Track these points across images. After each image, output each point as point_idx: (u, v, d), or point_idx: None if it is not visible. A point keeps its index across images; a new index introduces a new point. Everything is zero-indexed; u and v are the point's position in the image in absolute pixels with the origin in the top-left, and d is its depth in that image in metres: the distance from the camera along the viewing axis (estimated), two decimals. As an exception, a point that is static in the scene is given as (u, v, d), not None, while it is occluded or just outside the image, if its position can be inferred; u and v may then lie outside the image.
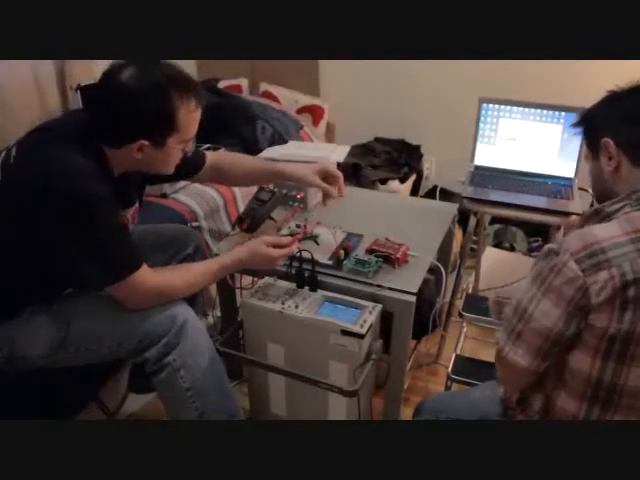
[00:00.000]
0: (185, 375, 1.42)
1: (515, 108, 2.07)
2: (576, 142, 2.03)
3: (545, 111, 2.04)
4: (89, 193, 1.24)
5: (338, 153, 2.10)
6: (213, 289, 1.91)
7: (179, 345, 1.40)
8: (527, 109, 2.06)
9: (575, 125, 1.17)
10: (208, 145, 2.64)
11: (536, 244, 2.81)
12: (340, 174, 1.67)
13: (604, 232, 0.97)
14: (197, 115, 1.36)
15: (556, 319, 0.99)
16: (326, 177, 1.67)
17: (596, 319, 0.96)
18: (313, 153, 2.04)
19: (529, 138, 2.07)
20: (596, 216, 1.07)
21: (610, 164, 1.08)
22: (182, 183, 2.38)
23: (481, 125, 2.13)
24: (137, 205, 1.57)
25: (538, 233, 2.80)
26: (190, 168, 1.66)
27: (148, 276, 1.36)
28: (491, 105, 2.10)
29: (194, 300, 1.77)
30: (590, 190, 1.22)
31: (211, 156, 1.75)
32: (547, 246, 1.02)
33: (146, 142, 1.30)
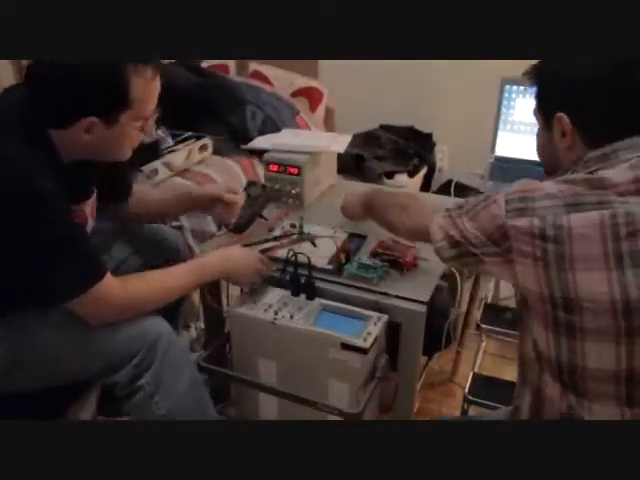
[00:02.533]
0: (160, 400, 1.41)
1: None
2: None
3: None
4: (35, 191, 1.21)
5: (338, 143, 2.10)
6: (196, 297, 1.91)
7: (152, 365, 1.39)
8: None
9: (529, 77, 1.18)
10: (190, 134, 2.66)
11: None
12: (236, 201, 1.75)
13: (541, 185, 1.03)
14: (155, 86, 1.34)
15: (473, 235, 1.09)
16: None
17: (524, 278, 1.02)
18: (310, 142, 2.04)
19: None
20: None
21: (564, 141, 1.11)
22: (161, 176, 2.40)
23: (503, 110, 2.14)
24: (95, 197, 1.54)
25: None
26: (124, 188, 1.70)
27: (114, 285, 1.34)
28: (515, 87, 2.11)
29: (174, 310, 1.77)
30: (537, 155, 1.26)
31: (136, 187, 1.78)
32: None
33: (96, 119, 1.27)
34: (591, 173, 1.04)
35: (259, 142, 2.22)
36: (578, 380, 1.03)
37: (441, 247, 1.16)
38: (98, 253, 1.36)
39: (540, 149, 1.22)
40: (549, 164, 1.20)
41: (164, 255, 1.79)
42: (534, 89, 1.18)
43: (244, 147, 2.63)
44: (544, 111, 1.15)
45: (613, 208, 0.96)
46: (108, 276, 1.34)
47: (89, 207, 1.50)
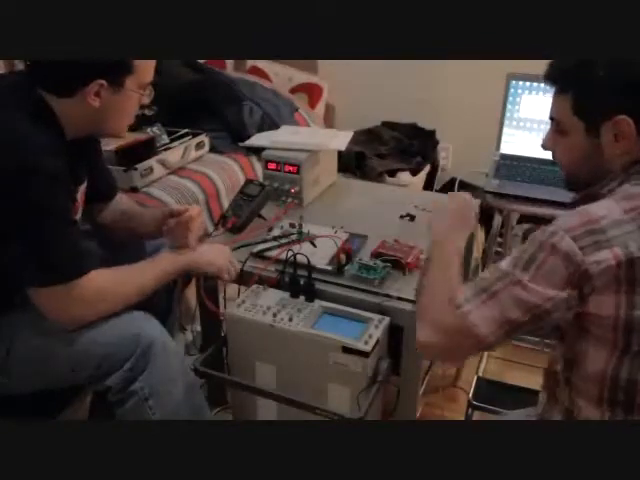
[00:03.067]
0: (155, 405, 1.41)
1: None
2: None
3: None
4: (45, 174, 1.24)
5: (339, 140, 2.10)
6: (192, 299, 1.91)
7: (146, 370, 1.39)
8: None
9: (562, 83, 1.13)
10: (187, 130, 2.65)
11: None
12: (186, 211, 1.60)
13: (601, 210, 0.99)
14: None
15: (546, 299, 0.99)
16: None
17: (599, 306, 0.98)
18: (309, 140, 2.04)
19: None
20: (587, 198, 1.09)
21: (618, 146, 1.07)
22: (156, 174, 2.39)
23: (509, 106, 2.13)
24: (85, 185, 1.55)
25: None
26: (106, 188, 1.69)
27: (94, 282, 1.35)
28: (521, 82, 2.10)
29: (168, 311, 1.76)
30: (562, 169, 1.20)
31: (125, 199, 1.77)
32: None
33: (104, 82, 1.32)
34: None
35: (257, 139, 2.22)
36: (635, 396, 1.02)
37: (496, 340, 1.03)
38: (83, 252, 1.36)
39: (579, 160, 1.15)
40: (589, 174, 1.14)
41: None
42: (549, 90, 1.14)
43: (242, 144, 2.63)
44: (589, 116, 1.10)
45: None
46: (93, 272, 1.34)
47: (80, 193, 1.51)
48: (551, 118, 1.17)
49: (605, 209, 0.99)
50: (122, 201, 1.75)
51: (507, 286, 1.02)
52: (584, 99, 1.09)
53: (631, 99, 1.05)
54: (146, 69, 1.40)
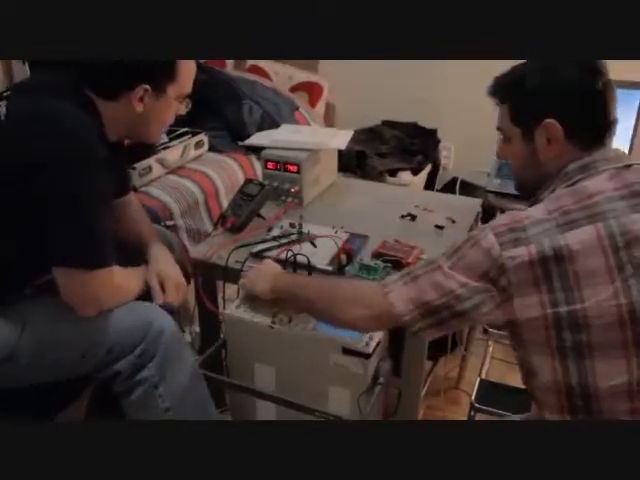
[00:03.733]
0: (164, 393, 1.42)
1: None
2: (629, 121, 2.02)
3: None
4: (90, 157, 1.27)
5: (339, 139, 2.10)
6: (191, 299, 1.91)
7: (156, 356, 1.40)
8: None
9: (499, 95, 1.21)
10: (186, 129, 2.65)
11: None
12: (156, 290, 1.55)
13: (528, 212, 1.06)
14: (194, 66, 1.47)
15: (461, 285, 1.06)
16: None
17: (526, 310, 1.03)
18: (310, 139, 2.04)
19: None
20: (534, 204, 1.13)
21: (551, 149, 1.13)
22: (155, 174, 2.39)
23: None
24: None
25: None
26: (121, 185, 1.69)
27: (115, 277, 1.37)
28: (521, 82, 2.10)
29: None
30: (514, 177, 1.29)
31: (134, 200, 1.78)
32: None
33: (148, 87, 1.37)
34: (573, 185, 1.08)
35: (257, 138, 2.22)
36: (590, 401, 1.04)
37: (412, 319, 1.12)
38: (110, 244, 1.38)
39: (522, 166, 1.23)
40: (532, 179, 1.20)
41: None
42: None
43: (241, 143, 2.63)
44: (523, 121, 1.17)
45: (605, 220, 1.00)
46: (112, 268, 1.36)
47: None
48: (498, 128, 1.25)
49: (533, 210, 1.06)
50: (130, 201, 1.75)
51: (428, 271, 1.11)
52: (518, 107, 1.18)
53: (558, 104, 1.12)
54: (187, 80, 1.45)
